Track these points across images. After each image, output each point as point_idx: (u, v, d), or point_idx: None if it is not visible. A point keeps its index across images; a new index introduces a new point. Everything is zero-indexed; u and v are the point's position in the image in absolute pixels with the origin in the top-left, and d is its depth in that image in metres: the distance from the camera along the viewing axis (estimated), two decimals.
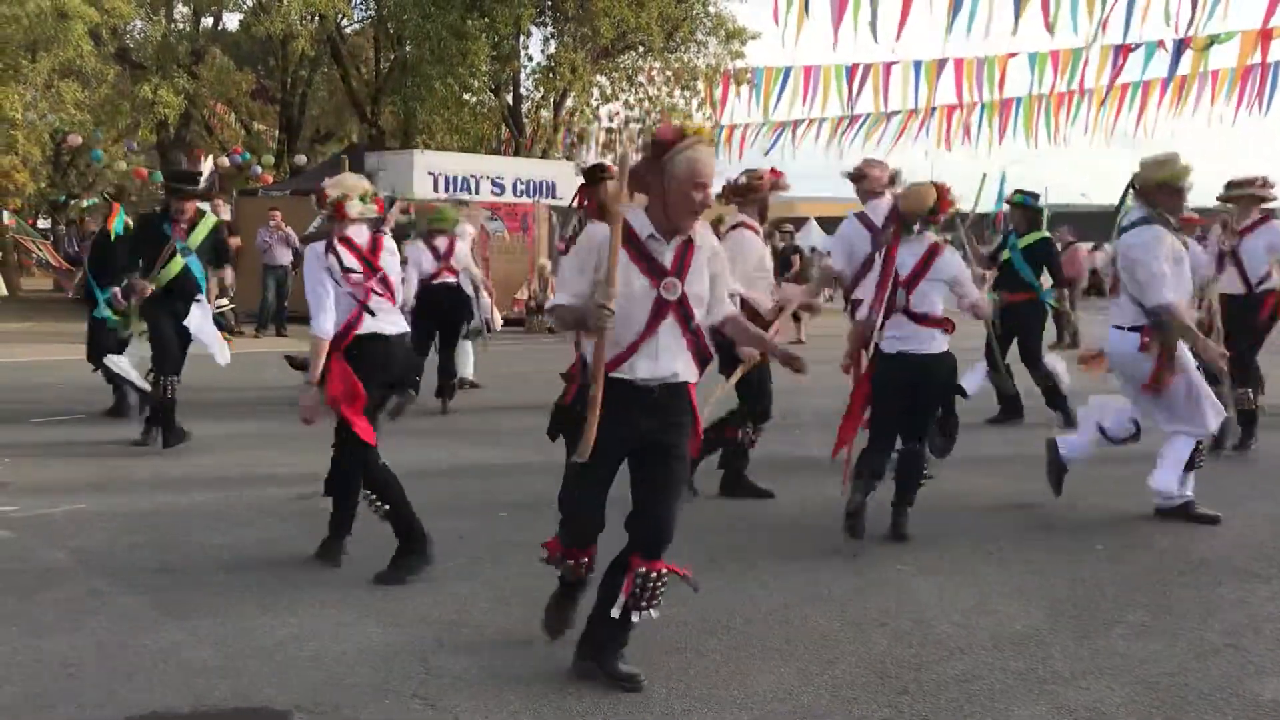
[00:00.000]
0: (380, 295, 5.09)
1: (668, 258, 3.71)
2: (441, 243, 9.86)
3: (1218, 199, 8.55)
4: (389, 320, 5.14)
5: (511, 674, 3.89)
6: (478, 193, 20.34)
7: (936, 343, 5.71)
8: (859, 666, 3.98)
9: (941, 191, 5.78)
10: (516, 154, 25.31)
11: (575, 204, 7.08)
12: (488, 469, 7.50)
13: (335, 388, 4.92)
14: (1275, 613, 4.65)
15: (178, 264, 7.92)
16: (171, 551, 5.37)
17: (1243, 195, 8.21)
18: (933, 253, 5.72)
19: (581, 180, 7.07)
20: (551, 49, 26.14)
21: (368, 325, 5.02)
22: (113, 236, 9.34)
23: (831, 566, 5.23)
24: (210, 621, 4.37)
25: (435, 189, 19.93)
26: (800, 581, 4.99)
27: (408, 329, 5.38)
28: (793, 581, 4.99)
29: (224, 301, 17.15)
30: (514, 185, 21.70)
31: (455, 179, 20.18)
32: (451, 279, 9.87)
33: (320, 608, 4.55)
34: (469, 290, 10.11)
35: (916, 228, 5.73)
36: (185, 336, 8.07)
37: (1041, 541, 5.74)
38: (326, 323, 4.93)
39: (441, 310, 9.84)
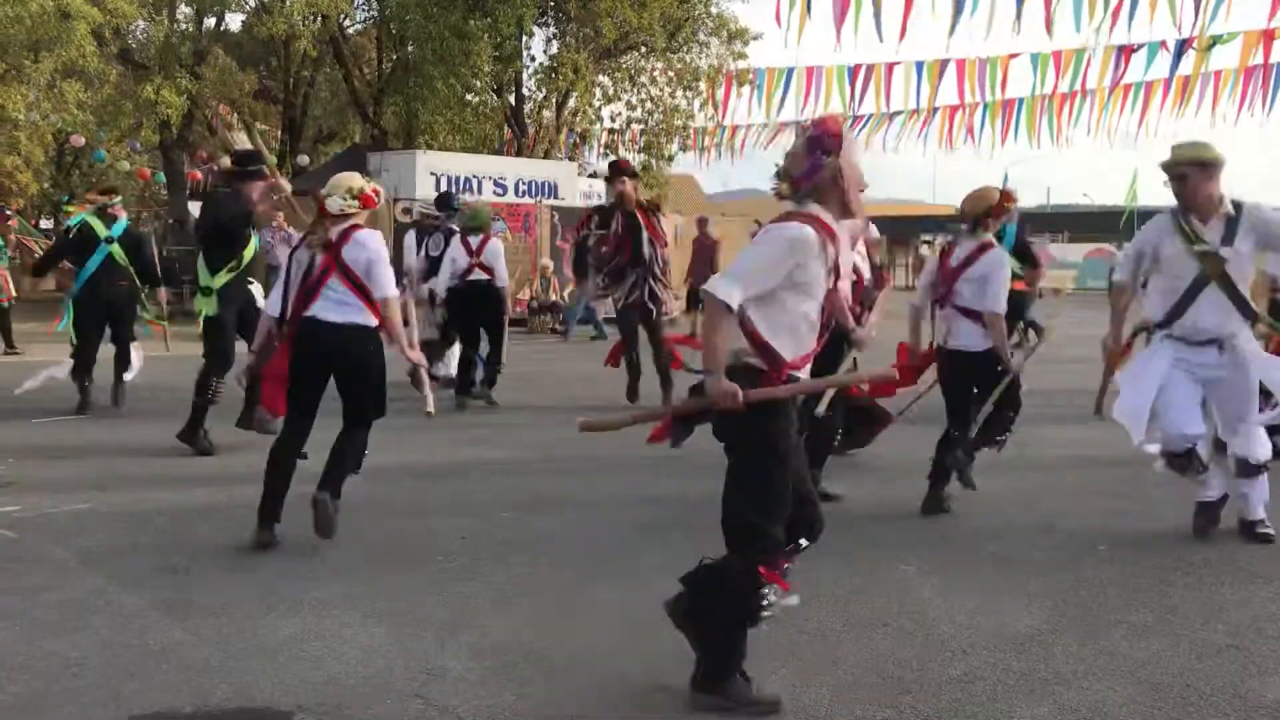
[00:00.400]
0: (340, 286, 5.46)
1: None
2: (475, 240, 10.37)
3: None
4: (333, 309, 5.44)
5: (513, 674, 3.89)
6: (480, 193, 20.36)
7: (979, 339, 6.03)
8: (861, 667, 3.98)
9: (1005, 197, 6.10)
10: (519, 154, 25.32)
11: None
12: (490, 469, 7.50)
13: (273, 363, 5.53)
14: (1278, 613, 4.64)
15: (253, 244, 8.10)
16: (174, 551, 5.38)
17: None
18: (980, 250, 6.04)
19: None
20: (554, 49, 26.15)
21: (311, 310, 5.44)
22: (70, 229, 9.68)
23: (833, 567, 5.22)
24: (213, 621, 4.38)
25: (437, 189, 19.93)
26: (802, 581, 4.95)
27: (358, 321, 5.48)
28: (793, 581, 4.98)
29: None
30: (516, 185, 21.74)
31: (458, 179, 20.21)
32: (483, 275, 10.31)
33: (322, 607, 4.56)
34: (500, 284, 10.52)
35: (965, 227, 6.12)
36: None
37: (1043, 542, 5.74)
38: (274, 302, 5.69)
39: (471, 306, 10.34)
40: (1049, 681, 3.87)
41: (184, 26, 25.68)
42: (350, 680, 3.83)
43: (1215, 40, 18.38)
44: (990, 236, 6.14)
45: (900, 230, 39.32)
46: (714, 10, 27.04)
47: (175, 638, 4.19)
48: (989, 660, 4.05)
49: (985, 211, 6.05)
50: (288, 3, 22.79)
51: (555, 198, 22.09)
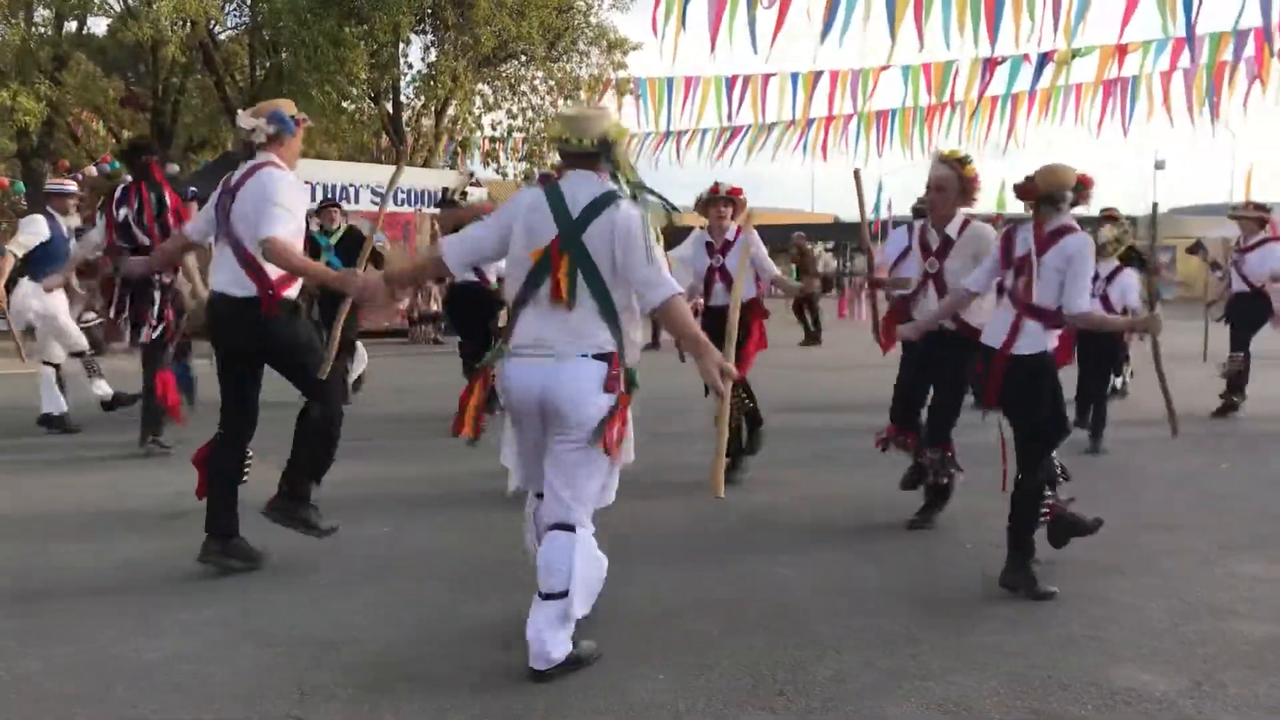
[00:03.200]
0: None
1: None
2: None
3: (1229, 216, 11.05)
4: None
5: (388, 691, 3.83)
6: (357, 201, 20.02)
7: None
8: (736, 669, 4.03)
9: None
10: (397, 163, 25.03)
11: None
12: (366, 484, 7.37)
13: None
14: (1133, 603, 4.85)
15: None
16: (31, 576, 5.16)
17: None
18: None
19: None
20: (432, 57, 25.95)
21: None
22: None
23: (713, 571, 5.28)
24: (72, 648, 4.21)
25: (314, 198, 19.55)
26: (681, 586, 5.03)
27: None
28: (673, 586, 5.03)
29: (91, 316, 16.54)
30: (395, 194, 21.42)
31: (334, 187, 19.86)
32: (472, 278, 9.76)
33: (191, 630, 4.42)
34: None
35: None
36: None
37: (915, 541, 5.90)
38: None
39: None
40: (917, 677, 3.97)
41: (42, 30, 24.77)
42: (220, 703, 3.72)
43: (1075, 53, 19.06)
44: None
45: (781, 238, 40.05)
46: (593, 19, 27.20)
47: (31, 667, 4.02)
48: (860, 658, 4.14)
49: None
50: (154, 7, 22.15)
51: (435, 206, 21.86)
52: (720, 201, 7.50)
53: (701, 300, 7.57)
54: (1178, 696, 3.80)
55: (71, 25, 25.53)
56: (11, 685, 3.86)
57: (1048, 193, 5.02)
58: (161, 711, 3.65)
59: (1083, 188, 5.03)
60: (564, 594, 3.88)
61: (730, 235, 7.51)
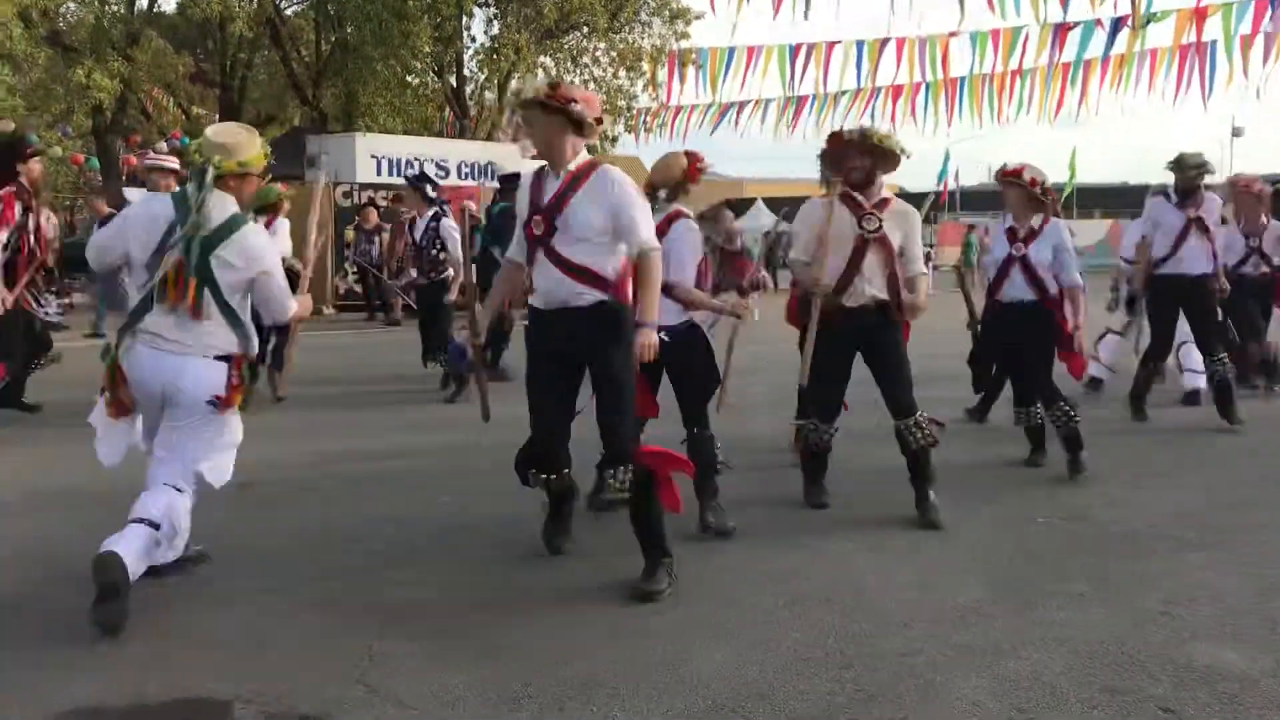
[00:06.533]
0: None
1: None
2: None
3: None
4: None
5: (454, 658, 3.85)
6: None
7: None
8: (802, 643, 3.99)
9: (692, 159, 5.71)
10: (460, 136, 25.11)
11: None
12: (425, 454, 7.42)
13: None
14: (1208, 580, 4.73)
15: None
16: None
17: None
18: (668, 221, 5.51)
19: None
20: (495, 30, 25.99)
21: None
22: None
23: (775, 544, 5.24)
24: (142, 615, 4.25)
25: (378, 173, 19.72)
26: (743, 560, 5.01)
27: None
28: (736, 560, 5.00)
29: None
30: (459, 168, 21.54)
31: (398, 161, 20.00)
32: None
33: (256, 598, 4.48)
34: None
35: (663, 195, 5.61)
36: None
37: (982, 516, 5.80)
38: None
39: None
40: (987, 653, 3.91)
41: (115, 8, 25.20)
42: (289, 668, 3.77)
43: (1150, 18, 18.56)
44: (681, 206, 5.66)
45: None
46: None
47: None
48: (929, 633, 4.08)
49: (679, 180, 5.67)
50: None
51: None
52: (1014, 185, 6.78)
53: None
54: (1261, 676, 3.69)
55: (143, 2, 25.95)
56: (87, 654, 3.92)
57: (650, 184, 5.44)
58: (233, 676, 3.69)
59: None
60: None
61: (1035, 223, 6.79)
